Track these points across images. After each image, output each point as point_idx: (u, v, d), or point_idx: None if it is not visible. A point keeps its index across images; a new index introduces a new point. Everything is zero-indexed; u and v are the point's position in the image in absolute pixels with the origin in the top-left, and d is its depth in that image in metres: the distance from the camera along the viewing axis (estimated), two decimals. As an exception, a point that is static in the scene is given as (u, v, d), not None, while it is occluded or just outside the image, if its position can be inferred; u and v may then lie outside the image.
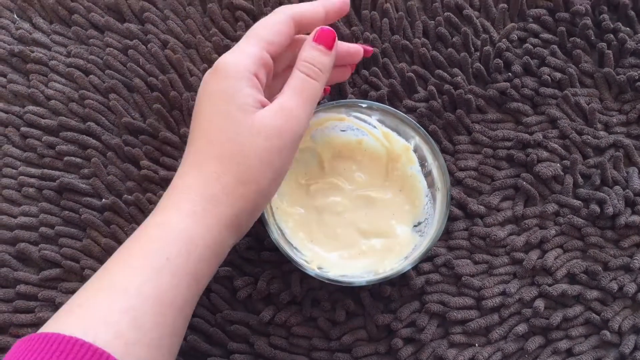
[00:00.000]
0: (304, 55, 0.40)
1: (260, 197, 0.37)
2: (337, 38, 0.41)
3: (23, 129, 0.49)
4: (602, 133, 0.50)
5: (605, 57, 0.51)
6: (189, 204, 0.35)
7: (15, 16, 0.52)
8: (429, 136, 0.44)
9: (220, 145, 0.37)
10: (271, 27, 0.39)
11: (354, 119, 0.46)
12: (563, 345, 0.46)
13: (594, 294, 0.47)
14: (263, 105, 0.38)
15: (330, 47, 0.40)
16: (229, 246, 0.38)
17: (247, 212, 0.37)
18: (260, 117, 0.37)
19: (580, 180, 0.49)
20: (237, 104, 0.37)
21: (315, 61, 0.40)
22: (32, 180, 0.48)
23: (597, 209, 0.48)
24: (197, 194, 0.36)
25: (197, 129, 0.38)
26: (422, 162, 0.46)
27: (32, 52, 0.50)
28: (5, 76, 0.50)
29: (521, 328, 0.46)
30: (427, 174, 0.46)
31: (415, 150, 0.46)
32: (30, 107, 0.49)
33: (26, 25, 0.52)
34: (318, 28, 0.40)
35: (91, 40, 0.51)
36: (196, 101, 0.39)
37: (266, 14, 0.50)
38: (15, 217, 0.47)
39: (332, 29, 0.40)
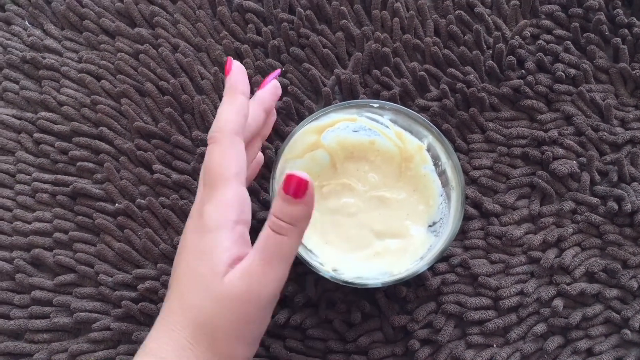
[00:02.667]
0: (272, 208, 0.37)
1: None
2: (308, 184, 0.36)
3: (36, 135, 0.49)
4: (618, 129, 0.49)
5: (620, 52, 0.50)
6: None
7: (27, 23, 0.52)
8: (442, 135, 0.44)
9: (191, 311, 0.35)
10: (237, 158, 0.38)
11: (365, 119, 0.46)
12: (583, 344, 0.45)
13: (614, 292, 0.46)
14: (239, 259, 0.36)
15: (298, 195, 0.36)
16: None
17: None
18: (228, 284, 0.35)
19: (597, 177, 0.48)
20: (210, 265, 0.35)
21: (283, 214, 0.36)
22: (46, 186, 0.48)
23: (615, 206, 0.47)
24: None
25: (174, 284, 0.37)
26: (436, 161, 0.45)
27: (44, 58, 0.51)
28: (17, 83, 0.51)
29: (540, 328, 0.45)
30: (441, 174, 0.45)
31: (428, 150, 0.45)
32: (43, 113, 0.50)
33: (38, 32, 0.52)
34: (286, 174, 0.36)
35: (102, 45, 0.51)
36: (178, 249, 0.38)
37: (276, 16, 0.51)
38: (29, 223, 0.47)
39: (301, 174, 0.36)
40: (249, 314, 0.36)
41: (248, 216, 0.39)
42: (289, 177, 0.36)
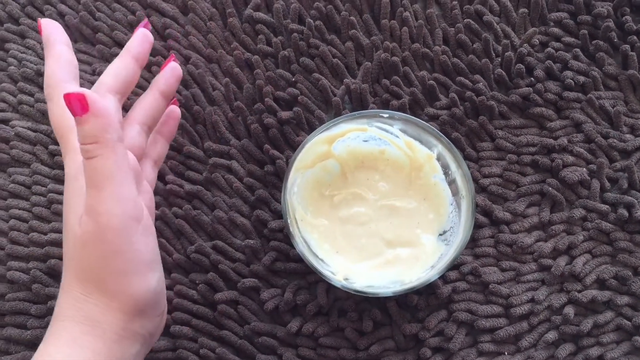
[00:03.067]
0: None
1: (141, 299, 0.36)
2: (85, 96, 0.33)
3: (51, 147, 0.50)
4: (628, 136, 0.49)
5: (629, 59, 0.50)
6: (65, 331, 0.35)
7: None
8: (452, 144, 0.44)
9: (70, 265, 0.37)
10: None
11: (376, 129, 0.46)
12: (594, 352, 0.45)
13: (625, 299, 0.46)
14: None
15: (84, 111, 0.34)
16: (136, 354, 0.37)
17: (134, 317, 0.37)
18: (82, 225, 0.36)
19: (607, 184, 0.48)
20: (73, 212, 0.37)
21: (83, 138, 0.34)
22: (61, 197, 0.49)
23: (626, 213, 0.47)
24: (72, 320, 0.35)
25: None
26: (446, 170, 0.46)
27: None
28: (32, 95, 0.51)
29: (551, 335, 0.45)
30: (451, 182, 0.45)
31: (438, 159, 0.46)
32: (58, 126, 0.50)
33: (52, 45, 0.53)
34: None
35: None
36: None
37: (286, 27, 0.51)
38: (45, 234, 0.48)
39: (78, 91, 0.33)
40: (111, 243, 0.35)
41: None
42: (66, 98, 0.33)
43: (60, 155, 0.49)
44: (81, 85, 0.51)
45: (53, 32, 0.41)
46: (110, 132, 0.35)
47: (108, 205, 0.35)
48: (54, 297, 0.47)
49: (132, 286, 0.36)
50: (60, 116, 0.39)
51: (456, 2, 0.52)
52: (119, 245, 0.35)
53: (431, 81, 0.50)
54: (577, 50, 0.51)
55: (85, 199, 0.35)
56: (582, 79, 0.50)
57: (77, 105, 0.33)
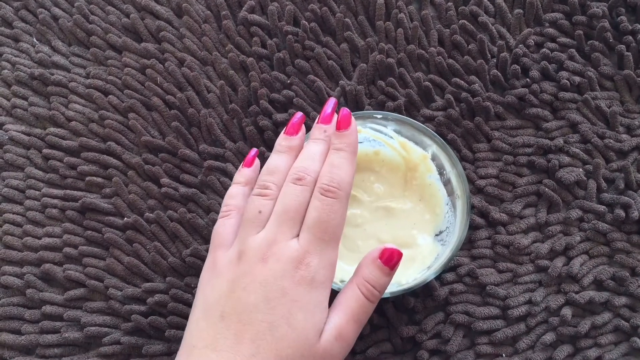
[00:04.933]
0: (366, 273, 0.38)
1: None
2: (402, 256, 0.39)
3: (45, 150, 0.50)
4: (624, 136, 0.49)
5: (625, 59, 0.50)
6: None
7: (35, 40, 0.53)
8: (446, 144, 0.44)
9: None
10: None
11: (370, 130, 0.46)
12: (592, 353, 0.45)
13: (622, 300, 0.46)
14: None
15: (393, 268, 0.39)
16: None
17: None
18: (326, 345, 0.36)
19: (603, 184, 0.48)
20: (314, 322, 0.36)
21: (377, 283, 0.38)
22: (55, 201, 0.49)
23: (622, 213, 0.47)
24: None
25: (265, 331, 0.36)
26: (441, 170, 0.46)
27: (52, 74, 0.51)
28: (26, 99, 0.51)
29: (549, 337, 0.45)
30: (446, 182, 0.45)
31: (432, 159, 0.46)
32: (52, 129, 0.50)
33: (45, 49, 0.53)
34: (383, 246, 0.39)
35: (109, 61, 0.52)
36: (263, 292, 0.36)
37: (281, 29, 0.51)
38: (39, 238, 0.48)
39: (398, 249, 0.39)
40: None
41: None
42: (389, 251, 0.38)
43: (56, 159, 0.49)
44: (74, 88, 0.51)
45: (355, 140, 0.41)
46: (385, 288, 0.39)
47: (352, 341, 0.38)
48: (48, 302, 0.46)
49: None
50: (339, 224, 0.39)
51: (451, 4, 0.52)
52: None
53: (427, 82, 0.50)
54: (573, 50, 0.51)
55: (334, 320, 0.37)
56: (577, 79, 0.50)
57: (394, 261, 0.38)
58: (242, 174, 0.43)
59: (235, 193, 0.42)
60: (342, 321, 0.37)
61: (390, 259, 0.38)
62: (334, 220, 0.37)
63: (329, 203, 0.37)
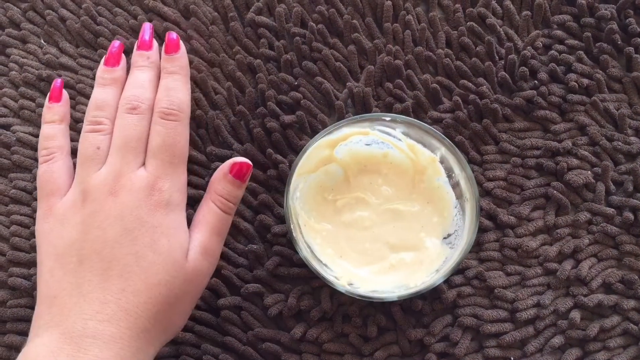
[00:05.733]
0: (219, 188, 0.40)
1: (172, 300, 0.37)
2: (250, 168, 0.42)
3: (52, 152, 0.50)
4: (633, 139, 0.49)
5: (633, 61, 0.50)
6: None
7: (42, 41, 0.53)
8: (455, 147, 0.44)
9: (157, 289, 0.36)
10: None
11: (378, 133, 0.46)
12: (601, 357, 0.45)
13: (631, 303, 0.46)
14: None
15: (244, 180, 0.41)
16: (153, 353, 0.38)
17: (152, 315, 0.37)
18: (194, 262, 0.38)
19: (612, 187, 0.48)
20: (179, 242, 0.38)
21: (230, 196, 0.40)
22: (63, 202, 0.49)
23: (631, 216, 0.47)
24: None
25: (129, 260, 0.37)
26: (449, 173, 0.45)
27: (60, 76, 0.51)
28: (34, 100, 0.51)
29: (557, 340, 0.45)
30: (455, 185, 0.45)
31: (441, 162, 0.46)
32: (59, 131, 0.50)
33: (53, 50, 0.53)
34: (232, 160, 0.41)
35: (117, 62, 0.52)
36: (122, 218, 0.37)
37: (288, 31, 0.51)
38: (46, 239, 0.48)
39: (247, 161, 0.41)
40: (204, 287, 0.40)
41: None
42: (238, 164, 0.40)
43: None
44: (82, 89, 0.51)
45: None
46: (239, 199, 0.42)
47: (218, 254, 0.40)
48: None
49: (181, 326, 0.40)
50: (184, 145, 0.41)
51: (459, 5, 0.52)
52: (201, 290, 0.40)
53: (434, 84, 0.50)
54: (581, 52, 0.51)
55: (196, 237, 0.39)
56: (586, 81, 0.50)
57: (244, 173, 0.41)
58: (55, 111, 0.42)
59: (52, 133, 0.41)
60: (205, 237, 0.39)
61: (240, 172, 0.40)
62: (180, 142, 0.39)
63: (172, 126, 0.39)
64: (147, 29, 0.43)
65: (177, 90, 0.40)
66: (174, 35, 0.41)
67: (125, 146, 0.38)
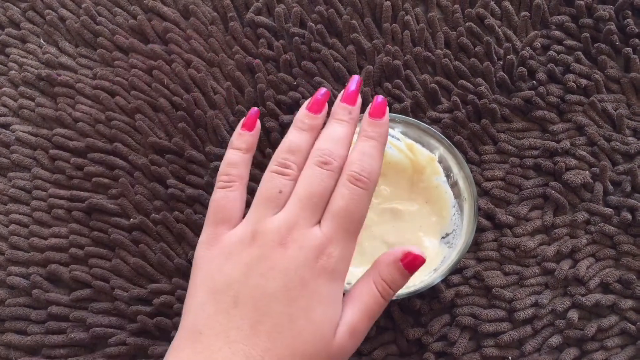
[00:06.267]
0: (385, 272, 0.37)
1: None
2: (425, 262, 0.37)
3: (52, 151, 0.50)
4: (630, 139, 0.49)
5: (631, 62, 0.50)
6: None
7: (42, 41, 0.53)
8: (454, 146, 0.44)
9: None
10: None
11: (377, 132, 0.46)
12: (599, 356, 0.45)
13: (629, 303, 0.46)
14: None
15: (412, 272, 0.37)
16: None
17: None
18: (340, 341, 0.34)
19: (610, 187, 0.48)
20: (331, 316, 0.35)
21: (394, 284, 0.37)
22: (62, 201, 0.49)
23: (629, 216, 0.47)
24: None
25: (284, 322, 0.33)
26: (448, 172, 0.46)
27: (59, 75, 0.51)
28: (33, 100, 0.51)
29: (555, 340, 0.45)
30: (453, 185, 0.45)
31: (440, 161, 0.46)
32: (58, 130, 0.50)
33: (53, 50, 0.53)
34: (406, 249, 0.37)
35: (116, 62, 0.52)
36: (282, 280, 0.34)
37: (287, 31, 0.51)
38: (45, 238, 0.48)
39: (421, 254, 0.37)
40: None
41: None
42: (412, 255, 0.36)
43: (62, 160, 0.49)
44: (81, 89, 0.51)
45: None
46: (400, 288, 0.38)
47: (363, 337, 0.36)
48: (54, 302, 0.46)
49: None
50: (364, 214, 0.37)
51: (458, 6, 0.52)
52: None
53: (433, 84, 0.50)
54: (579, 53, 0.51)
55: (348, 315, 0.35)
56: (584, 82, 0.50)
57: (414, 265, 0.37)
58: (244, 139, 0.40)
59: (236, 161, 0.39)
60: (357, 317, 0.35)
61: (412, 264, 0.37)
62: (361, 211, 0.36)
63: (358, 193, 0.36)
64: (355, 81, 0.39)
65: (372, 158, 0.37)
66: (382, 99, 0.38)
67: (308, 199, 0.35)
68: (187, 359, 0.33)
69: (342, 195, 0.36)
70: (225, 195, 0.38)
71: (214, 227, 0.37)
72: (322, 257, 0.34)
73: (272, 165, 0.37)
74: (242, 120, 0.40)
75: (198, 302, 0.34)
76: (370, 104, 0.39)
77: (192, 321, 0.34)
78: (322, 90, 0.40)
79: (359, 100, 0.39)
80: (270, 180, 0.37)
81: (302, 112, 0.39)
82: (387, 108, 0.39)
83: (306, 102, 0.39)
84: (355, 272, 0.44)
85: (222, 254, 0.35)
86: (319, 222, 0.36)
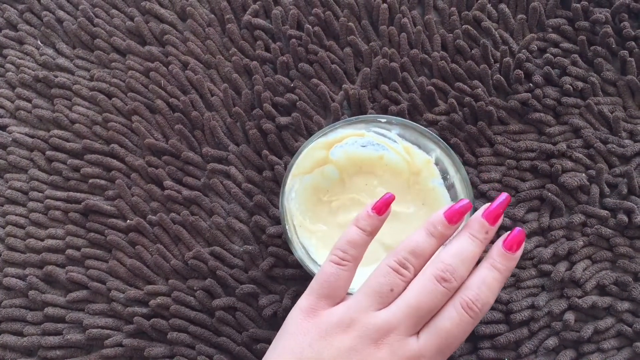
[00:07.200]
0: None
1: None
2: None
3: (48, 152, 0.50)
4: (627, 141, 0.49)
5: (628, 65, 0.50)
6: None
7: (39, 42, 0.53)
8: (450, 148, 0.44)
9: None
10: None
11: (373, 134, 0.46)
12: (595, 358, 0.45)
13: (625, 305, 0.46)
14: None
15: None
16: None
17: None
18: None
19: (606, 189, 0.48)
20: None
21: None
22: (58, 203, 0.49)
23: (625, 218, 0.47)
24: None
25: None
26: (444, 175, 0.46)
27: (56, 77, 0.51)
28: (30, 101, 0.51)
29: (551, 342, 0.45)
30: (450, 187, 0.45)
31: (436, 164, 0.46)
32: (55, 131, 0.50)
33: (50, 51, 0.53)
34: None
35: (113, 63, 0.52)
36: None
37: (284, 33, 0.51)
38: (42, 240, 0.48)
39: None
40: None
41: None
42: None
43: (59, 161, 0.49)
44: (78, 90, 0.51)
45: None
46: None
47: None
48: (50, 303, 0.46)
49: None
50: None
51: (454, 9, 0.52)
52: None
53: (430, 87, 0.50)
54: (576, 56, 0.51)
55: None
56: (580, 84, 0.50)
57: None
58: (371, 222, 0.39)
59: (358, 242, 0.38)
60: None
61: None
62: (462, 338, 0.35)
63: (466, 321, 0.35)
64: (502, 199, 0.38)
65: (491, 291, 0.35)
66: (520, 231, 0.37)
67: (415, 310, 0.35)
68: None
69: (450, 317, 0.35)
70: (337, 272, 0.37)
71: (317, 299, 0.37)
72: None
73: (390, 260, 0.37)
74: (375, 202, 0.39)
75: None
76: (509, 233, 0.37)
77: None
78: (464, 202, 0.38)
79: (500, 221, 0.38)
80: (385, 275, 0.36)
81: (438, 218, 0.37)
82: (522, 246, 0.37)
83: (442, 211, 0.38)
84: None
85: (317, 331, 0.35)
86: (417, 333, 0.35)
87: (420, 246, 0.37)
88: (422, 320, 0.35)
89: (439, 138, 0.44)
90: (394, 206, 0.46)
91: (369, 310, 0.35)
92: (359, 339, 0.34)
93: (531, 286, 0.46)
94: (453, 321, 0.35)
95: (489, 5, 0.53)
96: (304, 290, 0.46)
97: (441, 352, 0.35)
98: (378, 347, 0.34)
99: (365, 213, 0.39)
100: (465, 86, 0.50)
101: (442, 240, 0.37)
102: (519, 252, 0.37)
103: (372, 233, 0.38)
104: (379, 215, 0.39)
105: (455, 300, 0.35)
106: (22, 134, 0.51)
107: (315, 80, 0.51)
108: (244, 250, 0.47)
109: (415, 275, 0.36)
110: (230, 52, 0.52)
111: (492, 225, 0.37)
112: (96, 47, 0.53)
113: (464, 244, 0.37)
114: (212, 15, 0.53)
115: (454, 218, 0.37)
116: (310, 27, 0.52)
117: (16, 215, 0.49)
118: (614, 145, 0.49)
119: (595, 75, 0.51)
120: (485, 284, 0.35)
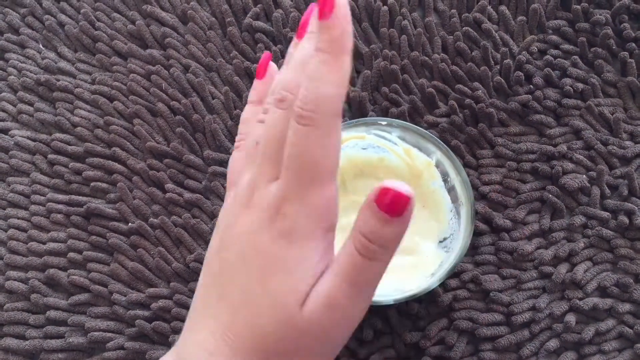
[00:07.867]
0: (360, 224, 0.29)
1: None
2: (410, 200, 0.28)
3: (50, 156, 0.50)
4: (627, 143, 0.49)
5: (628, 66, 0.50)
6: None
7: (41, 46, 0.53)
8: (450, 151, 0.44)
9: (265, 340, 0.28)
10: (338, 150, 0.29)
11: (374, 137, 0.46)
12: (596, 360, 0.45)
13: (626, 307, 0.46)
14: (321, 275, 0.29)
15: (395, 213, 0.28)
16: None
17: None
18: (311, 315, 0.28)
19: (607, 191, 0.48)
20: (293, 284, 0.28)
21: (374, 236, 0.28)
22: (60, 206, 0.49)
23: (626, 220, 0.47)
24: None
25: (236, 295, 0.29)
26: (445, 177, 0.46)
27: (58, 80, 0.52)
28: (32, 105, 0.52)
29: (553, 344, 0.45)
30: (450, 189, 0.45)
31: (437, 166, 0.46)
32: (57, 135, 0.51)
33: (51, 55, 0.53)
34: (382, 185, 0.27)
35: (115, 67, 0.52)
36: (235, 248, 0.30)
37: (285, 35, 0.51)
38: (44, 243, 0.48)
39: (400, 187, 0.27)
40: (328, 351, 0.30)
41: (337, 217, 0.31)
42: (386, 191, 0.27)
43: (61, 164, 0.49)
44: (80, 94, 0.51)
45: (348, 33, 0.28)
46: (400, 242, 0.30)
47: (357, 313, 0.30)
48: (52, 307, 0.46)
49: None
50: (318, 157, 0.28)
51: (455, 11, 0.52)
52: (334, 354, 0.31)
53: (430, 89, 0.50)
54: (576, 57, 0.51)
55: (323, 282, 0.29)
56: (581, 86, 0.50)
57: (396, 205, 0.28)
58: (256, 90, 0.35)
59: (246, 117, 0.35)
60: (331, 283, 0.28)
61: (394, 206, 0.27)
62: (313, 154, 0.28)
63: (303, 133, 0.27)
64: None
65: (319, 80, 0.27)
66: None
67: (265, 151, 0.29)
68: (181, 335, 0.32)
69: (289, 140, 0.28)
70: (233, 157, 0.35)
71: (227, 192, 0.34)
72: (278, 218, 0.28)
73: (260, 113, 0.33)
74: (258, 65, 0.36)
75: (200, 279, 0.32)
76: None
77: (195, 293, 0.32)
78: (267, 53, 0.36)
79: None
80: (252, 130, 0.32)
81: (293, 44, 0.32)
82: (344, 3, 0.28)
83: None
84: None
85: (217, 223, 0.32)
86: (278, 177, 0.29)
87: (280, 81, 0.31)
88: (275, 159, 0.29)
89: (440, 140, 0.44)
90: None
91: (243, 176, 0.31)
92: (234, 211, 0.31)
93: (532, 288, 0.46)
94: (291, 142, 0.28)
95: (489, 7, 0.53)
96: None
97: (299, 182, 0.28)
98: (248, 209, 0.30)
99: (253, 86, 0.37)
100: (466, 88, 0.50)
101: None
102: (337, 17, 0.27)
103: (259, 101, 0.35)
104: (258, 79, 0.36)
105: (291, 118, 0.28)
106: (24, 137, 0.51)
107: (315, 83, 0.51)
108: (245, 253, 0.47)
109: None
110: (231, 55, 0.52)
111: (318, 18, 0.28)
112: (98, 51, 0.53)
113: (299, 48, 0.30)
114: (213, 19, 0.53)
115: (260, 72, 0.35)
116: (310, 29, 0.52)
117: (18, 218, 0.49)
118: (615, 147, 0.49)
119: (595, 76, 0.51)
120: (310, 78, 0.27)
